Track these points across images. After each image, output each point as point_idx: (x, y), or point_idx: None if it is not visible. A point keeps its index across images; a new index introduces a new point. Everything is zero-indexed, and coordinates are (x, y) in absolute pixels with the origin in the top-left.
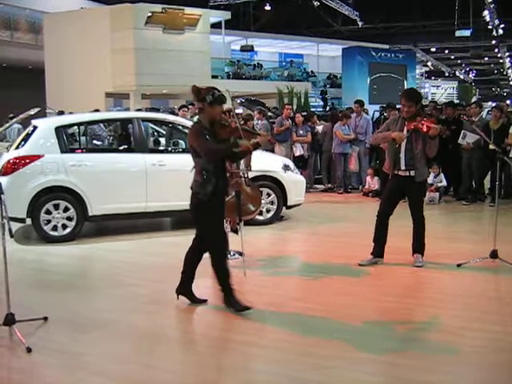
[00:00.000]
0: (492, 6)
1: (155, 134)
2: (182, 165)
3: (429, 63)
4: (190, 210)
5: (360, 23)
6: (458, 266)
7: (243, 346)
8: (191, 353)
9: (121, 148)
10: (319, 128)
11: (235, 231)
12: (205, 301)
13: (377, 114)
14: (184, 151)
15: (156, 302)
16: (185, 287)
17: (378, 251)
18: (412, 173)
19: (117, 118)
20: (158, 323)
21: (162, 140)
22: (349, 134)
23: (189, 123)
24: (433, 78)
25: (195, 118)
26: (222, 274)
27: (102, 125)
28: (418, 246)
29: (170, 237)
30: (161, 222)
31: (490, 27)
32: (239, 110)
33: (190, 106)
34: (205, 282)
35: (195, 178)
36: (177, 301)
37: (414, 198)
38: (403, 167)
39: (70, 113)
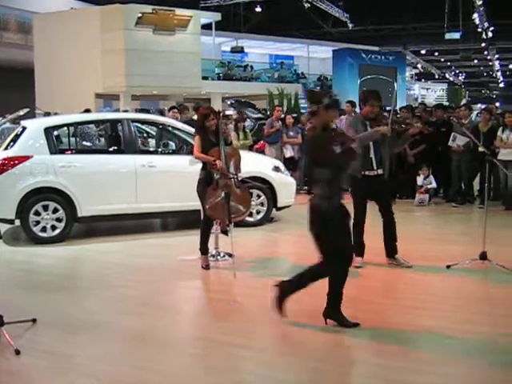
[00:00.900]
0: (481, 9)
1: (145, 135)
2: (172, 166)
3: (419, 65)
4: (314, 225)
5: (350, 25)
6: (448, 267)
7: (232, 347)
8: (181, 354)
9: (110, 149)
10: None
11: (225, 233)
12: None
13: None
14: (174, 153)
15: (146, 303)
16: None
17: (362, 254)
18: (380, 171)
19: (106, 118)
20: (148, 325)
21: (152, 141)
22: None
23: (179, 125)
24: (423, 80)
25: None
26: (336, 286)
27: (91, 126)
28: (395, 247)
29: (160, 238)
30: (151, 223)
31: (479, 30)
32: (230, 112)
33: (180, 108)
34: None
35: (319, 192)
36: (167, 303)
37: (386, 196)
38: (374, 167)
39: (55, 113)
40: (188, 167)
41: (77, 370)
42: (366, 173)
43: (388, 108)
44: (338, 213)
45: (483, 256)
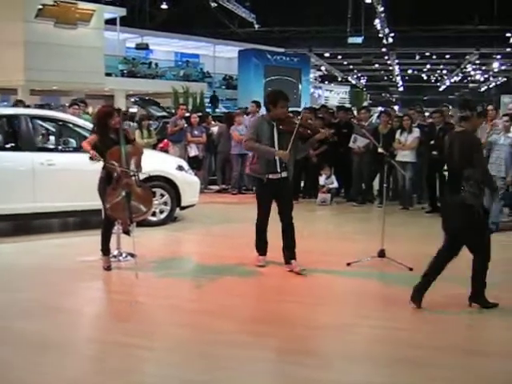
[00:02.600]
0: (383, 16)
1: (44, 131)
2: (73, 164)
3: (322, 68)
4: (460, 223)
5: (256, 26)
6: (348, 264)
7: (134, 349)
8: (80, 358)
9: (7, 146)
10: (214, 129)
11: (127, 232)
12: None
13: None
14: (75, 150)
15: (44, 306)
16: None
17: (265, 253)
18: (284, 174)
19: (3, 114)
20: (47, 328)
21: (52, 138)
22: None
23: (80, 121)
24: (326, 82)
25: (86, 117)
26: (482, 274)
27: None
28: (293, 252)
29: (60, 239)
30: (50, 223)
31: (380, 36)
32: (133, 109)
33: (81, 104)
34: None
35: (471, 190)
36: (66, 305)
37: (288, 199)
38: (278, 170)
39: None
40: (89, 165)
41: None
42: (270, 176)
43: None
44: (482, 209)
45: (382, 253)
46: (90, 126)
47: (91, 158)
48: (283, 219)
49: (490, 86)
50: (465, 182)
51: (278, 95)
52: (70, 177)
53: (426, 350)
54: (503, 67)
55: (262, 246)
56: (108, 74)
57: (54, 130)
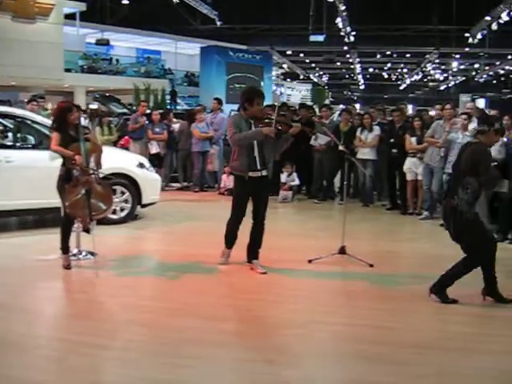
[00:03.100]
0: (344, 14)
1: (2, 128)
2: (31, 161)
3: (285, 65)
4: (456, 229)
5: (219, 23)
6: (309, 261)
7: (93, 348)
8: (39, 358)
9: None
10: (175, 126)
11: (87, 231)
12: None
13: (234, 113)
14: (34, 147)
15: (1, 306)
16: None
17: (231, 246)
18: (264, 172)
19: None
20: (4, 329)
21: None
22: (206, 131)
23: (39, 118)
24: (288, 79)
25: (44, 113)
26: (457, 273)
27: None
28: (257, 253)
29: (18, 237)
30: (7, 221)
31: (342, 34)
32: (94, 106)
33: (39, 100)
34: None
35: (464, 197)
36: (24, 304)
37: (265, 198)
38: (259, 167)
39: None
40: (48, 162)
41: None
42: (250, 174)
43: None
44: (476, 218)
45: (342, 250)
46: (48, 122)
47: (75, 164)
48: (256, 218)
49: (450, 85)
50: (461, 189)
51: (253, 93)
52: (29, 174)
53: (390, 346)
54: (462, 66)
55: (232, 240)
56: (68, 70)
57: (12, 126)
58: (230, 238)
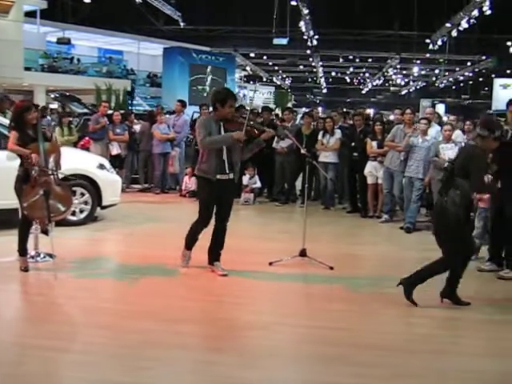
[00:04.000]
0: (308, 18)
1: None
2: None
3: (248, 68)
4: (439, 227)
5: (182, 24)
6: (270, 264)
7: (53, 351)
8: None
9: None
10: (136, 127)
11: (45, 232)
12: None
13: (196, 115)
14: None
15: None
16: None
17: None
18: (231, 175)
19: None
20: None
21: None
22: (168, 133)
23: None
24: (251, 82)
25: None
26: (429, 272)
27: None
28: (219, 255)
29: None
30: None
31: (305, 37)
32: (54, 106)
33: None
34: None
35: (455, 199)
36: None
37: (231, 201)
38: (227, 170)
39: None
40: (5, 162)
41: None
42: (219, 176)
43: None
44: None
45: (303, 253)
46: (6, 121)
47: (33, 164)
48: (220, 221)
49: (411, 90)
50: (452, 189)
51: (227, 94)
52: None
53: (351, 348)
54: (423, 72)
55: (193, 242)
56: (27, 69)
57: None
58: (191, 240)
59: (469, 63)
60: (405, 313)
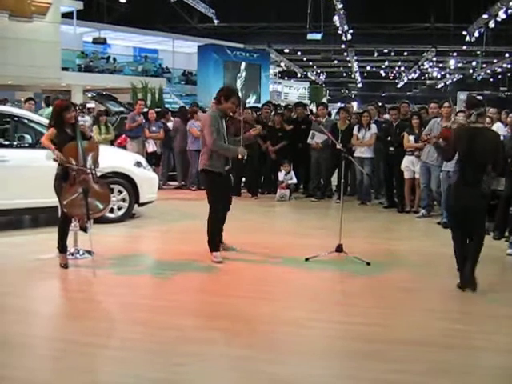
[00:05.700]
0: (342, 13)
1: None
2: (28, 161)
3: (282, 64)
4: (475, 209)
5: (216, 21)
6: (307, 259)
7: (90, 347)
8: (37, 358)
9: None
10: (170, 124)
11: (84, 229)
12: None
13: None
14: (31, 146)
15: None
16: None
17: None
18: (228, 167)
19: None
20: (2, 330)
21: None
22: None
23: (36, 117)
24: (286, 78)
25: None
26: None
27: None
28: (221, 236)
29: (15, 237)
30: (4, 221)
31: (339, 32)
32: (91, 105)
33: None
34: None
35: (488, 182)
36: (22, 304)
37: (231, 189)
38: (230, 164)
39: None
40: (45, 161)
41: None
42: (227, 168)
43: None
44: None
45: (339, 248)
46: (45, 121)
47: (55, 160)
48: (226, 210)
49: (447, 83)
50: (485, 175)
51: (233, 91)
52: (25, 173)
53: (381, 344)
54: (459, 64)
55: (217, 242)
56: (65, 69)
57: (8, 125)
58: (213, 243)
59: (507, 54)
60: (440, 309)
